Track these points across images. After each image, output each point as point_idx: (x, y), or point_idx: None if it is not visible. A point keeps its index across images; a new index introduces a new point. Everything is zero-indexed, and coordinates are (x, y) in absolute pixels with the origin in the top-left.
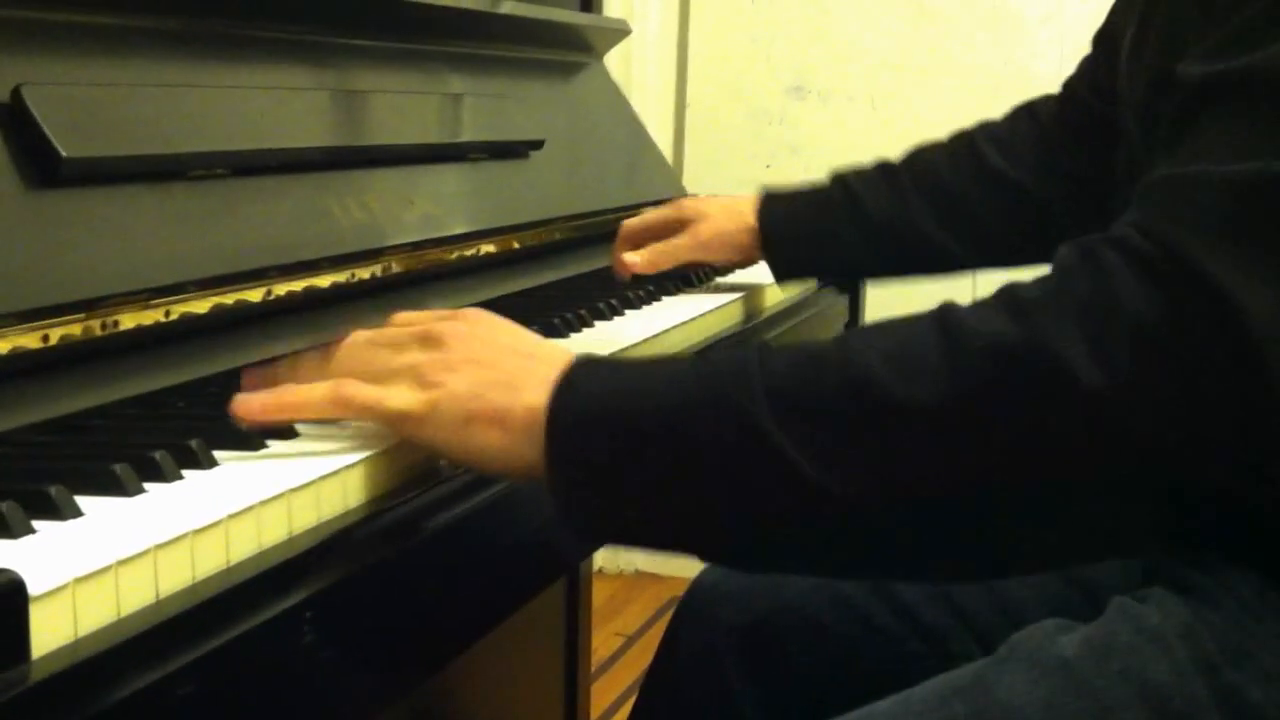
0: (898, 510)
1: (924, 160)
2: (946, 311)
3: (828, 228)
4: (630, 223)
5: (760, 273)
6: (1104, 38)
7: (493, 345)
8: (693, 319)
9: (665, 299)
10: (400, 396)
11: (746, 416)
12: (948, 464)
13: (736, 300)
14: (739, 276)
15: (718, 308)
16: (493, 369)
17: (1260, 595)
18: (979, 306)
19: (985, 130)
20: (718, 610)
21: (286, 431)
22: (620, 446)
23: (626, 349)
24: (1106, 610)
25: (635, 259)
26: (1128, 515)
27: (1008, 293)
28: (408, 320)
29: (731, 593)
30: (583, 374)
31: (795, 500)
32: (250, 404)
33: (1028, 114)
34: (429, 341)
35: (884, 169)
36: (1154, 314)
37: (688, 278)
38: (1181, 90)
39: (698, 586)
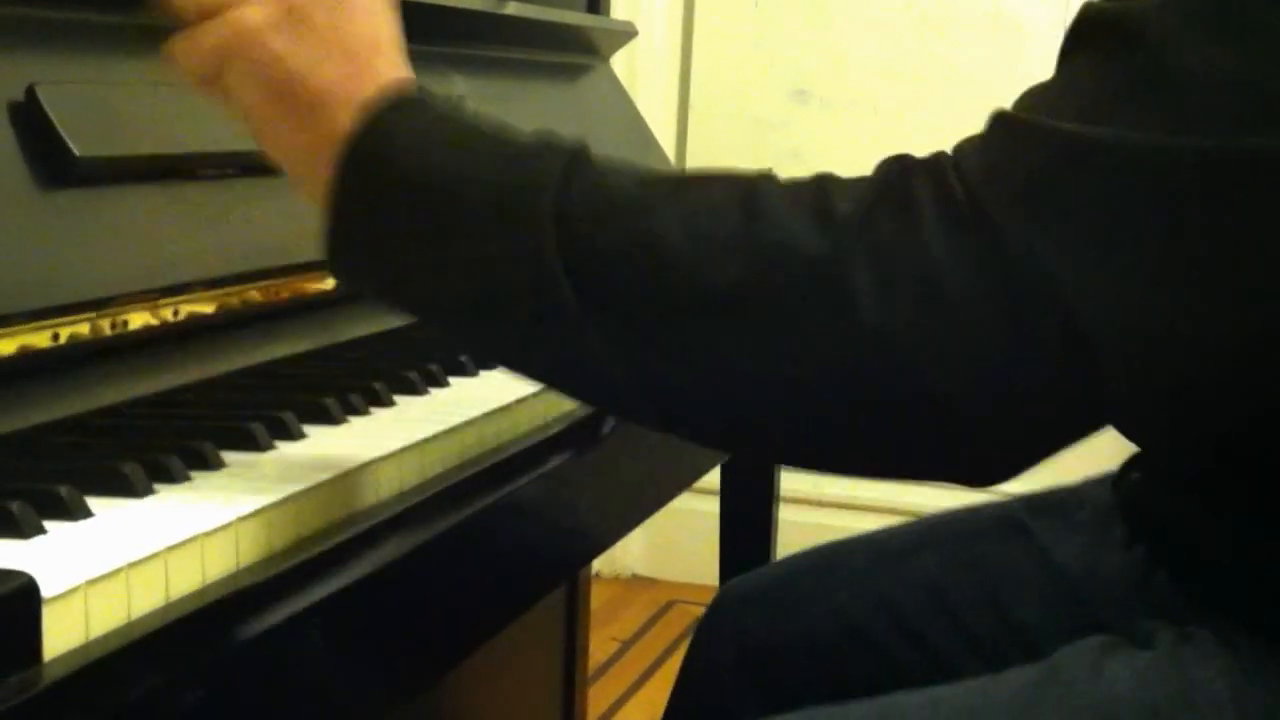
0: (646, 366)
1: None
2: (756, 191)
3: None
4: None
5: None
6: None
7: (342, 34)
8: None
9: None
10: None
11: (532, 225)
12: (731, 347)
13: None
14: None
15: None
16: (326, 38)
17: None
18: (790, 195)
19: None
20: (731, 638)
21: (295, 433)
22: (401, 200)
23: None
24: (1158, 649)
25: None
26: (911, 454)
27: (822, 195)
28: None
29: (744, 620)
30: (399, 118)
31: (541, 312)
32: None
33: None
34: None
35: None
36: (950, 267)
37: None
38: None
39: (718, 605)
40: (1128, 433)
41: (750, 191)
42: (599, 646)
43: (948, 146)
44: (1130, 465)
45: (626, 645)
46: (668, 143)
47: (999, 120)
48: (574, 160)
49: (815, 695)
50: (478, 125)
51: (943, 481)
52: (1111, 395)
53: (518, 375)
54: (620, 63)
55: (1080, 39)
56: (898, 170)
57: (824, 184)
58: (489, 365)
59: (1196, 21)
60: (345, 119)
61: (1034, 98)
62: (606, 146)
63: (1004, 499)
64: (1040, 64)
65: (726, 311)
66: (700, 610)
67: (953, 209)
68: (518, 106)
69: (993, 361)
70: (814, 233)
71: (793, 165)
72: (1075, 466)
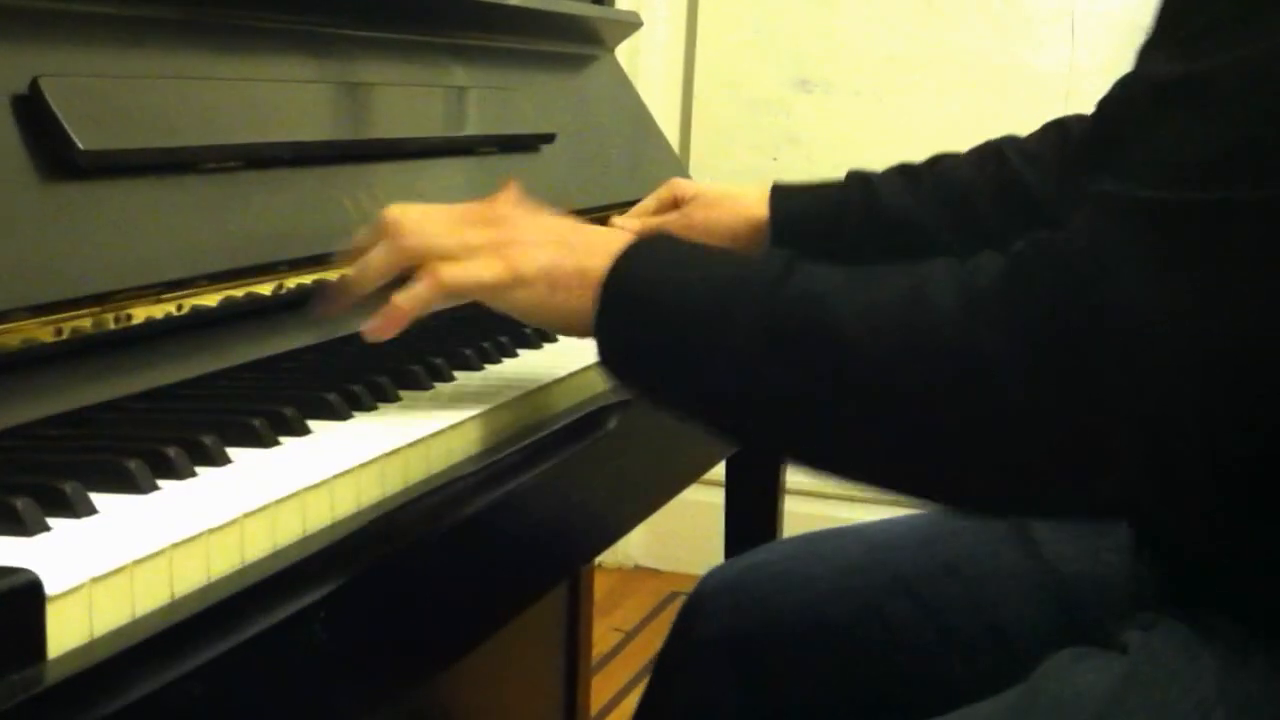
0: (831, 439)
1: (947, 165)
2: (920, 279)
3: (842, 225)
4: (620, 219)
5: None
6: None
7: (550, 224)
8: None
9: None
10: (489, 268)
11: (744, 334)
12: (881, 414)
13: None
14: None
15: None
16: (562, 242)
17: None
18: (949, 278)
19: (1013, 142)
20: (712, 622)
21: (299, 428)
22: (647, 332)
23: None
24: (1136, 656)
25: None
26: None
27: (913, 175)
28: (449, 210)
29: (721, 610)
30: (638, 253)
31: (751, 403)
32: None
33: (1057, 129)
34: (494, 222)
35: (905, 170)
36: (1076, 338)
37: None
38: (1139, 86)
39: (696, 597)
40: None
41: (915, 284)
42: (601, 637)
43: (951, 133)
44: None
45: (629, 636)
46: (671, 132)
47: (1094, 200)
48: (791, 261)
49: (793, 685)
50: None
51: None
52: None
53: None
54: (623, 52)
55: (1160, 104)
56: (1027, 257)
57: (975, 268)
58: (496, 360)
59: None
60: (606, 262)
61: (1113, 174)
62: (611, 136)
63: None
64: (1043, 50)
65: (885, 379)
66: None
67: (1078, 285)
68: (522, 97)
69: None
70: (961, 311)
71: (796, 152)
72: None
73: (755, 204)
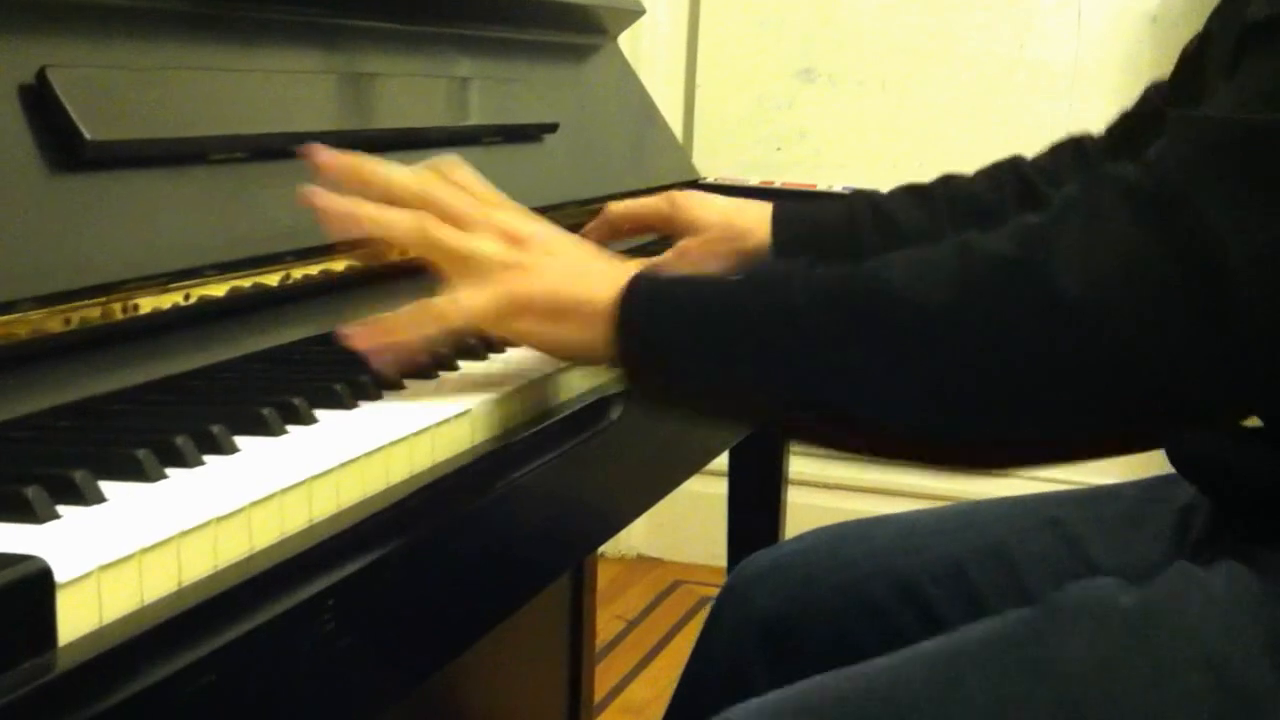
0: (910, 398)
1: (959, 183)
2: (965, 236)
3: (855, 245)
4: (615, 207)
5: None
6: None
7: (562, 245)
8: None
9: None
10: (483, 297)
11: (783, 323)
12: (950, 360)
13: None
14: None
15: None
16: (569, 270)
17: None
18: (992, 232)
19: (1023, 161)
20: (747, 610)
21: (306, 417)
22: (680, 339)
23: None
24: (1169, 574)
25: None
26: (1116, 420)
27: (1016, 220)
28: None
29: (760, 594)
30: (647, 280)
31: (820, 391)
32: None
33: (1072, 146)
34: (512, 239)
35: (911, 189)
36: (1140, 242)
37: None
38: (1239, 33)
39: (734, 583)
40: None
41: (958, 240)
42: (605, 626)
43: (955, 124)
44: None
45: (632, 624)
46: (675, 121)
47: (1172, 123)
48: (811, 260)
49: (829, 664)
50: (706, 277)
51: (1139, 443)
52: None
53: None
54: (625, 41)
55: (1252, 42)
56: (1081, 183)
57: (1016, 217)
58: (501, 349)
59: None
60: (612, 293)
61: (1198, 104)
62: (614, 126)
63: (1036, 494)
64: (1048, 41)
65: (946, 326)
66: (705, 590)
67: (1141, 200)
68: (525, 87)
69: (1180, 323)
70: (1011, 243)
71: (800, 144)
72: (1107, 468)
73: (760, 226)
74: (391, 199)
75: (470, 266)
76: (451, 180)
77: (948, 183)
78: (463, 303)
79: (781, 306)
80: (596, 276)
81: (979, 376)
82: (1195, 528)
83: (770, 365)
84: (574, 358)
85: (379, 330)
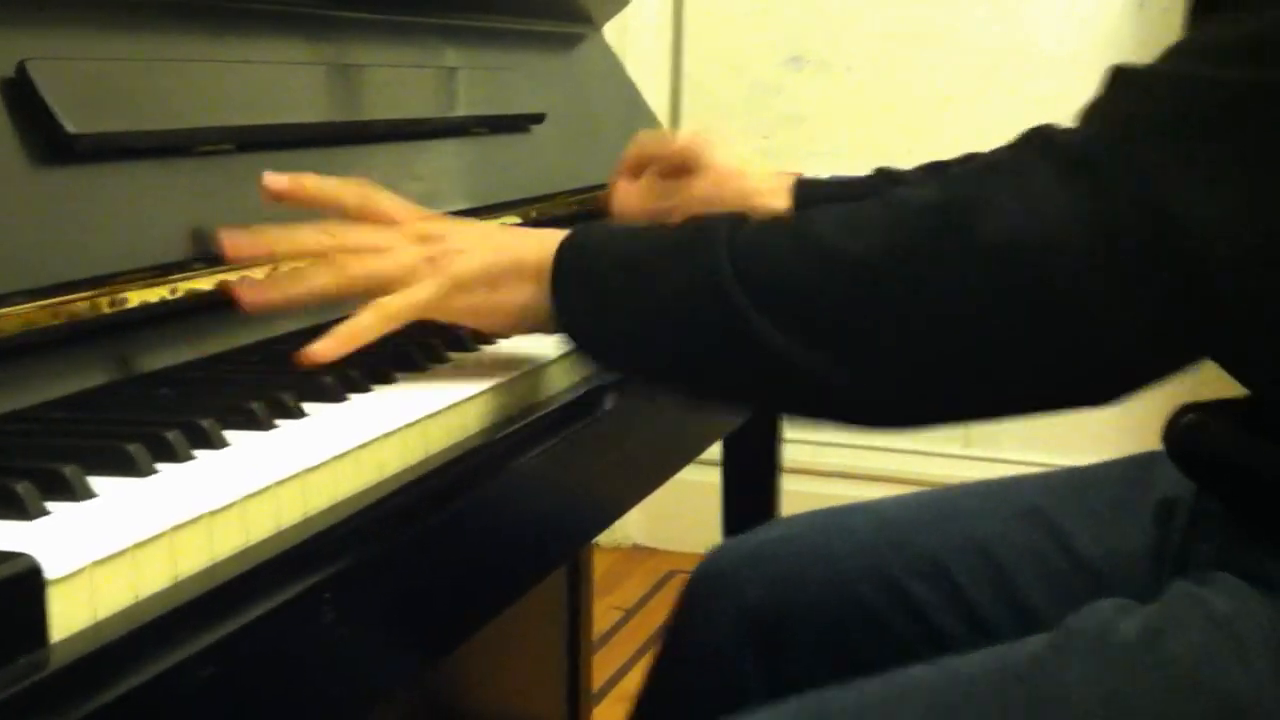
0: (832, 349)
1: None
2: (889, 189)
3: None
4: (645, 138)
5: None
6: None
7: (482, 230)
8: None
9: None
10: (425, 288)
11: (711, 272)
12: (874, 307)
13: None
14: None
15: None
16: (496, 244)
17: None
18: (918, 183)
19: (1053, 129)
20: (729, 596)
21: (296, 411)
22: (611, 291)
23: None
24: (1168, 594)
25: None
26: (1036, 372)
27: (941, 170)
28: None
29: (743, 584)
30: (583, 233)
31: (740, 340)
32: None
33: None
34: (426, 239)
35: (934, 166)
36: (1061, 199)
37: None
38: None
39: (708, 570)
40: (1224, 361)
41: (882, 193)
42: (601, 616)
43: (945, 110)
44: (1182, 412)
45: (629, 614)
46: (661, 111)
47: (1118, 76)
48: (737, 216)
49: (815, 662)
50: (640, 227)
51: (1066, 402)
52: (1216, 315)
53: (730, 405)
54: (611, 30)
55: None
56: (1020, 138)
57: (940, 166)
58: (491, 341)
59: None
60: (546, 251)
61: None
62: (601, 116)
63: (1016, 478)
64: (1040, 28)
65: (872, 271)
66: None
67: (1062, 153)
68: (511, 77)
69: (1097, 282)
70: (938, 189)
71: (790, 131)
72: (1088, 447)
73: (766, 193)
74: (303, 256)
75: (398, 275)
76: (363, 203)
77: (969, 160)
78: (410, 297)
79: (710, 260)
80: (525, 241)
81: (899, 322)
82: (1177, 518)
83: (696, 312)
84: (518, 324)
85: (339, 342)
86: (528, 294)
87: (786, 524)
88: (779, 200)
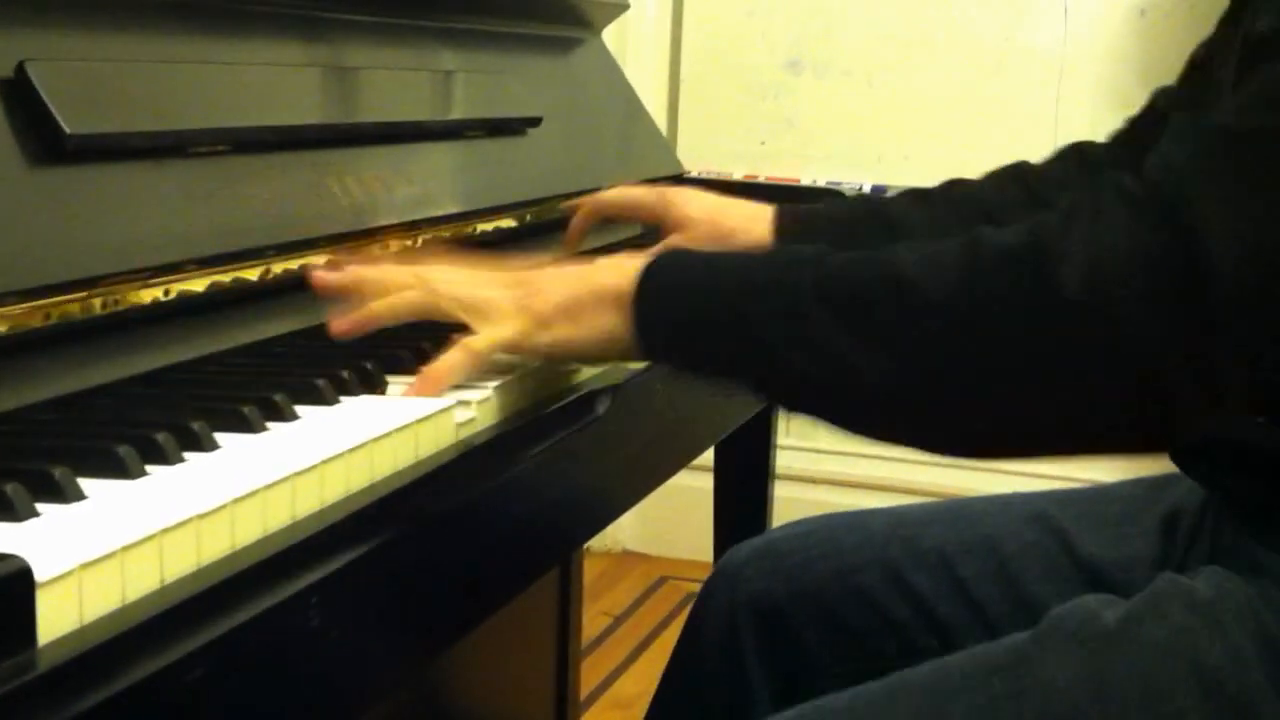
0: (910, 381)
1: (964, 188)
2: (976, 230)
3: (856, 246)
4: (607, 193)
5: None
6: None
7: (564, 269)
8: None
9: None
10: (508, 326)
11: (795, 300)
12: (951, 344)
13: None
14: None
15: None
16: (575, 275)
17: None
18: (1004, 228)
19: (1028, 167)
20: (737, 590)
21: (287, 413)
22: (697, 311)
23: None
24: (1152, 585)
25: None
26: (1108, 416)
27: (1030, 219)
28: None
29: (751, 576)
30: (665, 258)
31: (826, 370)
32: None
33: (1076, 153)
34: (512, 283)
35: (916, 193)
36: (1138, 243)
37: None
38: (1243, 45)
39: (723, 566)
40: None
41: (969, 234)
42: (591, 621)
43: (943, 115)
44: None
45: (619, 620)
46: (659, 115)
47: (1176, 123)
48: (821, 248)
49: (816, 651)
50: (724, 253)
51: (1130, 447)
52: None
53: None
54: (610, 34)
55: (1253, 57)
56: (1089, 190)
57: (1034, 216)
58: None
59: None
60: (626, 279)
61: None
62: (598, 120)
63: (1032, 492)
64: (1039, 33)
65: (950, 311)
66: (692, 586)
67: (1135, 197)
68: (509, 80)
69: (1168, 324)
70: (1021, 236)
71: (787, 136)
72: (1089, 460)
73: (745, 230)
74: (390, 290)
75: (484, 307)
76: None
77: (952, 187)
78: (493, 335)
79: (794, 283)
80: (604, 271)
81: (976, 363)
82: (1181, 528)
83: (777, 340)
84: (602, 354)
85: (428, 383)
86: (611, 321)
87: (800, 523)
88: (760, 232)
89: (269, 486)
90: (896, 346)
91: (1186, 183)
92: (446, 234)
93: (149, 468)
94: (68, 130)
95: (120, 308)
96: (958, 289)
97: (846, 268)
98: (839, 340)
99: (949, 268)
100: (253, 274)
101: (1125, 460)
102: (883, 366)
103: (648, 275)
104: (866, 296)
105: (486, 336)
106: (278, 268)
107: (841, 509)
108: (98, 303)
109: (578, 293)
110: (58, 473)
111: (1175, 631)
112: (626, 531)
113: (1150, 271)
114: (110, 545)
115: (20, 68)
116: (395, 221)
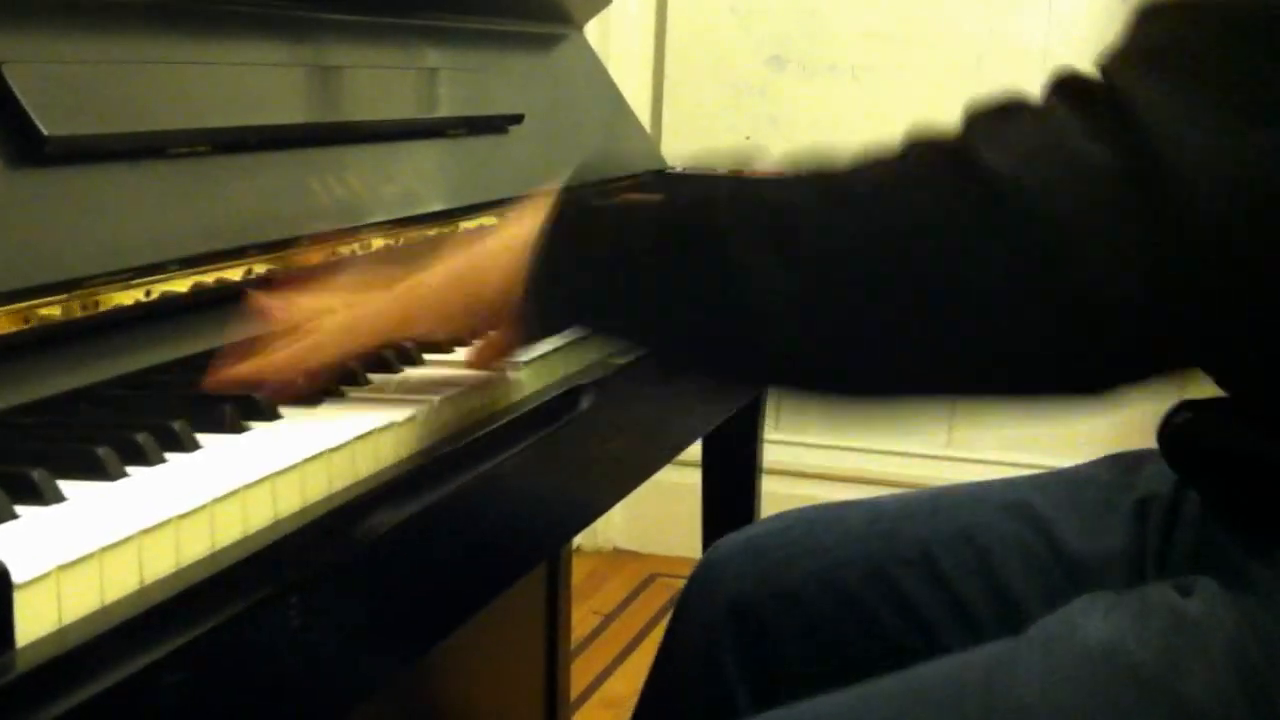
0: (825, 298)
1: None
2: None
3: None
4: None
5: None
6: None
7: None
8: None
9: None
10: (379, 313)
11: (709, 224)
12: (876, 243)
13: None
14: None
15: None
16: (448, 255)
17: None
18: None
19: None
20: (718, 589)
21: (269, 413)
22: (611, 243)
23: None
24: (1141, 595)
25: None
26: (1026, 342)
27: (967, 112)
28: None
29: (731, 576)
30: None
31: (737, 298)
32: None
33: None
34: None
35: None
36: (1074, 129)
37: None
38: None
39: (705, 565)
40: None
41: (906, 136)
42: (581, 620)
43: (928, 112)
44: (1177, 410)
45: (609, 619)
46: (643, 111)
47: (1134, 8)
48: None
49: (797, 651)
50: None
51: (1048, 389)
52: (1198, 250)
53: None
54: (593, 30)
55: None
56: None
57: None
58: (466, 342)
59: None
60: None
61: None
62: (581, 117)
63: (1009, 478)
64: (1024, 28)
65: (883, 203)
66: (682, 583)
67: (1083, 89)
68: (490, 78)
69: (1115, 219)
70: (953, 132)
71: (771, 132)
72: (1068, 449)
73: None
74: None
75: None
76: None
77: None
78: (355, 310)
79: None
80: (480, 242)
81: (898, 261)
82: (1153, 514)
83: (695, 278)
84: (493, 313)
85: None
86: (499, 276)
87: (781, 517)
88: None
89: (249, 486)
90: (810, 257)
91: (1127, 71)
92: (431, 232)
93: (129, 469)
94: (46, 132)
95: (101, 309)
96: (883, 176)
97: (769, 181)
98: (752, 258)
99: (880, 159)
100: (235, 274)
101: (1094, 441)
102: (792, 280)
103: (556, 217)
104: (787, 199)
105: (342, 316)
106: (260, 268)
107: (851, 500)
108: (78, 305)
109: (456, 263)
110: (36, 475)
111: (1157, 655)
112: (617, 529)
113: (1092, 161)
114: (89, 547)
115: None
116: (377, 220)
